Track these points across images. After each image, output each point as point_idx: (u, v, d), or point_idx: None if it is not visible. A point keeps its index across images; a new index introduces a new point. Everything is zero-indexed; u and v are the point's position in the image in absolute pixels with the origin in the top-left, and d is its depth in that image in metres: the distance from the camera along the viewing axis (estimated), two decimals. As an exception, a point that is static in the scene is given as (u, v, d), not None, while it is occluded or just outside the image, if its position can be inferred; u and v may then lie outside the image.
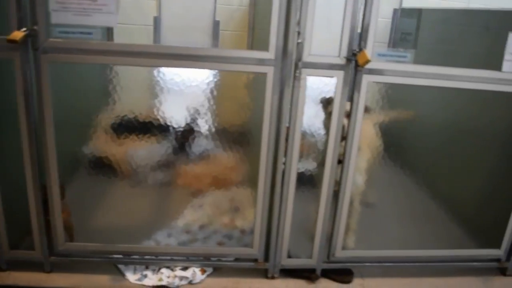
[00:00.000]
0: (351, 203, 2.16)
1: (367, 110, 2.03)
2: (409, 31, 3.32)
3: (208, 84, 1.94)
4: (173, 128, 2.02)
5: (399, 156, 2.26)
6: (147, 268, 2.04)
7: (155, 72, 1.89)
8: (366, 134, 2.15)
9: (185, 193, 2.27)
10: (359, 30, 1.86)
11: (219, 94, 1.95)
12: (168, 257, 2.05)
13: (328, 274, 2.09)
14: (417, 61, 1.95)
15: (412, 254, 2.17)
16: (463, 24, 2.63)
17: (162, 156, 2.20)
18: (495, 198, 2.24)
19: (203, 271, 2.03)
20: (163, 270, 2.01)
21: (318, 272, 2.06)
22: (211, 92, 1.94)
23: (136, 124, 2.03)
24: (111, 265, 2.04)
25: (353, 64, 1.79)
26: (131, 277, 1.98)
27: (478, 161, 2.36)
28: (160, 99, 1.96)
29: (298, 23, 1.70)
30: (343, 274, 2.10)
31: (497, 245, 2.19)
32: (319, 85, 1.86)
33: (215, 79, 1.91)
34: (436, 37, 2.94)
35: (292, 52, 1.74)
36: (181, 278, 1.97)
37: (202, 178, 2.29)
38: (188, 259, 2.05)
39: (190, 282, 1.98)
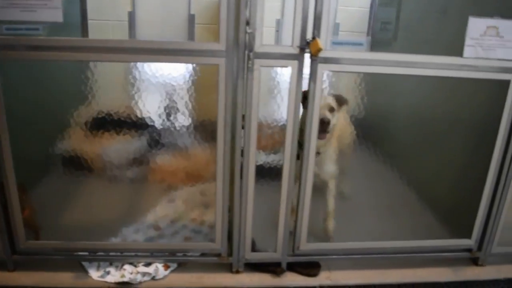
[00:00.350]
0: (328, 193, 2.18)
1: (345, 102, 2.02)
2: (388, 20, 3.26)
3: (178, 78, 1.91)
4: (147, 123, 2.01)
5: (373, 146, 2.23)
6: (111, 264, 2.02)
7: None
8: (339, 126, 2.12)
9: (157, 188, 2.26)
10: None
11: (192, 88, 1.91)
12: (133, 253, 2.03)
13: (294, 267, 2.06)
14: (396, 50, 1.90)
15: (381, 246, 2.14)
16: (424, 10, 2.58)
17: (135, 152, 2.18)
18: (465, 188, 2.19)
19: (167, 267, 2.01)
20: (126, 266, 1.99)
21: (284, 265, 2.04)
22: (184, 86, 1.91)
23: (109, 120, 2.01)
24: (76, 262, 2.02)
25: (307, 53, 1.73)
26: (94, 274, 1.97)
27: (448, 150, 2.32)
28: (133, 94, 1.94)
29: (248, 13, 1.66)
30: (310, 267, 2.07)
31: (468, 235, 2.14)
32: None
33: (189, 74, 1.88)
34: (414, 25, 2.88)
35: (243, 43, 1.69)
36: (144, 274, 1.96)
37: (175, 173, 2.27)
38: (152, 255, 2.03)
39: (153, 278, 1.97)
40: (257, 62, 1.72)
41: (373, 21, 3.40)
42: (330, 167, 2.17)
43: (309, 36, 1.71)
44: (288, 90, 1.78)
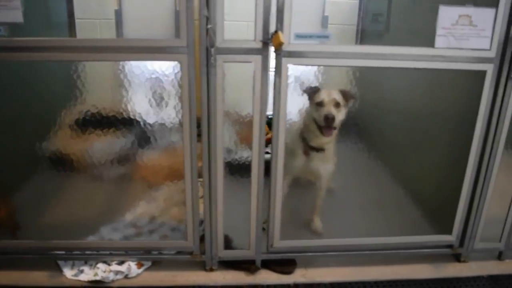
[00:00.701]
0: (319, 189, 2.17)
1: (352, 97, 1.99)
2: (380, 12, 3.20)
3: (163, 75, 1.88)
4: (133, 121, 1.99)
5: (356, 141, 2.19)
6: (86, 263, 2.02)
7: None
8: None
9: (139, 186, 2.25)
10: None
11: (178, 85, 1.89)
12: (107, 252, 2.02)
13: (269, 265, 2.04)
14: (388, 42, 1.85)
15: (360, 243, 2.10)
16: (416, 0, 2.52)
17: (119, 150, 2.18)
18: (446, 182, 2.13)
19: (140, 265, 2.01)
20: (100, 265, 2.00)
21: (258, 263, 2.02)
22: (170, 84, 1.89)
23: (94, 119, 2.01)
24: (53, 261, 2.03)
25: (271, 48, 1.70)
26: (68, 272, 1.98)
27: (429, 144, 2.26)
28: (117, 92, 1.93)
29: (207, 7, 1.63)
30: (285, 264, 2.05)
31: (449, 231, 2.08)
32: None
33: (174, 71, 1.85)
34: (406, 16, 2.82)
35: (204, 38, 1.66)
36: (116, 272, 1.96)
37: (157, 171, 2.26)
38: (127, 253, 2.03)
39: (126, 276, 1.97)
40: (220, 58, 1.69)
41: (363, 13, 3.33)
42: (331, 164, 2.14)
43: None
44: (252, 85, 1.74)
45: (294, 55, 1.72)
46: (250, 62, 1.72)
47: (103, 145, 2.12)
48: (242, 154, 1.89)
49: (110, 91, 1.97)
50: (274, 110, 1.78)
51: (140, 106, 1.90)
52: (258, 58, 1.71)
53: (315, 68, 1.94)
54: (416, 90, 2.29)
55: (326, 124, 1.90)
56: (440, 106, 2.15)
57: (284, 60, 1.72)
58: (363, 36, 3.37)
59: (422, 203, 2.30)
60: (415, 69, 1.83)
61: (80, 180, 2.13)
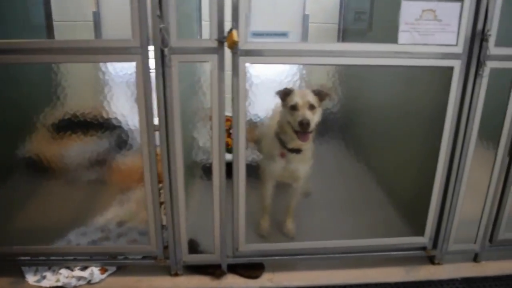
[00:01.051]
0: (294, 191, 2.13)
1: (326, 95, 1.94)
2: (362, 10, 3.14)
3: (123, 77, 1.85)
4: (112, 124, 1.94)
5: (329, 141, 2.14)
6: (49, 269, 1.99)
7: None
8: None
9: (113, 190, 2.22)
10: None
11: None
12: (72, 257, 1.98)
13: (236, 269, 1.99)
14: (371, 40, 1.80)
15: (329, 245, 2.04)
16: None
17: (94, 153, 2.14)
18: (418, 182, 2.07)
19: (104, 270, 1.97)
20: (62, 270, 1.96)
21: (224, 267, 1.97)
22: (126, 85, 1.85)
23: (68, 122, 1.98)
24: (17, 267, 2.00)
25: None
26: (31, 278, 1.95)
27: (403, 143, 2.21)
28: (97, 94, 1.89)
29: (160, 6, 1.59)
30: (252, 268, 2.00)
31: (421, 233, 2.02)
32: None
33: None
34: (390, 14, 2.75)
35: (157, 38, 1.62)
36: (79, 278, 1.92)
37: (130, 174, 2.22)
38: (91, 258, 1.99)
39: (89, 282, 1.93)
40: (175, 57, 1.64)
41: (345, 11, 3.27)
42: (308, 166, 2.09)
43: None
44: (209, 85, 1.69)
45: (251, 53, 1.67)
46: (206, 61, 1.67)
47: (76, 148, 2.09)
48: (204, 156, 1.84)
49: (85, 93, 1.93)
50: (233, 111, 1.73)
51: (112, 108, 1.86)
52: (214, 57, 1.66)
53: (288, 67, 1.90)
54: (389, 87, 2.24)
55: (301, 129, 1.83)
56: (413, 103, 2.10)
57: (241, 59, 1.67)
58: (345, 34, 3.31)
59: (396, 204, 2.25)
60: (381, 66, 1.76)
61: (52, 184, 2.09)
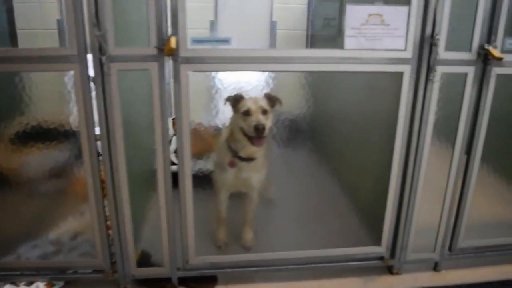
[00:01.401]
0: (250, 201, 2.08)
1: (277, 100, 1.92)
2: (332, 16, 3.12)
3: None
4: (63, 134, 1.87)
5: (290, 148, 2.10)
6: (-6, 285, 1.92)
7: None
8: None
9: (71, 201, 2.16)
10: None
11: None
12: (18, 272, 1.92)
13: (188, 282, 1.93)
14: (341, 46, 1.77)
15: (286, 257, 1.98)
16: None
17: (54, 164, 2.09)
18: (374, 189, 2.03)
19: (51, 286, 1.92)
20: (8, 286, 1.89)
21: (175, 280, 1.91)
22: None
23: (30, 131, 1.92)
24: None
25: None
26: (-26, 295, 1.87)
27: (360, 150, 2.16)
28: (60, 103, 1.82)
29: (96, 13, 1.54)
30: (204, 282, 1.94)
31: (378, 242, 1.97)
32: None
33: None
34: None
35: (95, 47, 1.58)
36: (23, 294, 1.85)
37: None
38: (38, 273, 1.92)
39: (34, 298, 1.85)
40: (114, 66, 1.60)
41: (313, 18, 3.25)
42: (261, 175, 2.04)
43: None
44: (151, 93, 1.65)
45: (193, 61, 1.62)
46: (147, 69, 1.62)
47: (34, 159, 2.03)
48: (150, 165, 1.79)
49: (46, 103, 1.88)
50: (177, 119, 1.68)
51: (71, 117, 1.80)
52: (154, 65, 1.61)
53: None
54: (349, 93, 2.21)
55: (256, 134, 1.80)
56: (372, 109, 2.07)
57: (182, 66, 1.62)
58: (314, 40, 3.28)
59: (356, 212, 2.21)
60: (328, 72, 1.73)
61: (6, 196, 2.03)
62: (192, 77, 1.70)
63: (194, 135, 1.99)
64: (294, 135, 2.15)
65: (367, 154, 2.12)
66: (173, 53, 1.57)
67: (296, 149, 2.17)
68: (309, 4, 3.18)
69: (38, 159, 2.01)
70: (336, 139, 2.29)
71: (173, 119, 1.87)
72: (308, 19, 3.21)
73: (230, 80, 1.95)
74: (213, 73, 1.91)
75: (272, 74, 1.91)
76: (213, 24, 3.11)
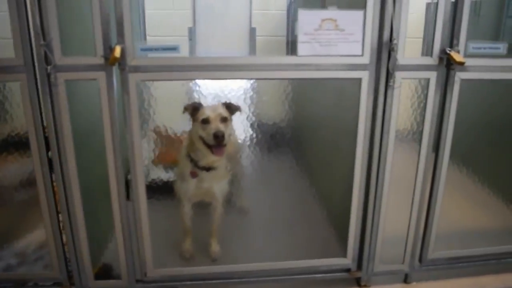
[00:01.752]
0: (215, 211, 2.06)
1: (237, 109, 1.91)
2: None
3: None
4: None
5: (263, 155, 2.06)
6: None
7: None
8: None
9: (34, 212, 2.13)
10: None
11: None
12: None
13: (148, 295, 1.88)
14: None
15: (250, 269, 1.93)
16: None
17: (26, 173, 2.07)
18: (340, 199, 1.97)
19: (10, 299, 1.87)
20: (-34, 300, 1.86)
21: (133, 294, 1.86)
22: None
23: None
24: None
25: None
26: None
27: (328, 157, 2.11)
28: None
29: (41, 23, 1.52)
30: (165, 294, 1.88)
31: (344, 253, 1.91)
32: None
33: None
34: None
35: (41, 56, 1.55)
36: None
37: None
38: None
39: (-11, 312, 1.83)
40: (60, 76, 1.57)
41: (292, 23, 3.21)
42: (224, 184, 2.01)
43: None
44: (100, 103, 1.62)
45: (141, 69, 1.59)
46: (94, 79, 1.59)
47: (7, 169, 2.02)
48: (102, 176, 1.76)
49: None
50: (128, 130, 1.65)
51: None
52: (102, 74, 1.59)
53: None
54: (318, 100, 2.15)
55: (216, 143, 1.78)
56: (339, 116, 2.01)
57: (131, 75, 1.59)
58: (294, 46, 3.22)
59: (325, 222, 2.14)
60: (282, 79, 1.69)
61: None
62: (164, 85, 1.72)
63: (160, 139, 1.97)
64: (265, 143, 2.10)
65: (335, 161, 2.06)
66: (118, 62, 1.53)
67: (267, 157, 2.11)
68: (288, 10, 3.13)
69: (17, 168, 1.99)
70: (306, 146, 2.24)
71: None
72: (288, 25, 3.15)
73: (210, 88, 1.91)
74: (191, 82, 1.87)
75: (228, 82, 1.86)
76: (191, 31, 3.08)
